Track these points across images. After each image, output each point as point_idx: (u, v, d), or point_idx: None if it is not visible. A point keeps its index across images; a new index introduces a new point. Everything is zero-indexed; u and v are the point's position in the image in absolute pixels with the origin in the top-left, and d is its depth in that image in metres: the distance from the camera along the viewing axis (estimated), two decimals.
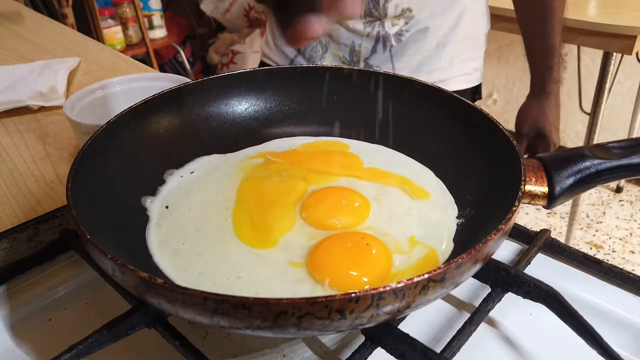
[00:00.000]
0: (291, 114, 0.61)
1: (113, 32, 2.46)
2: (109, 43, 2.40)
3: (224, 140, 0.58)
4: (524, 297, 0.43)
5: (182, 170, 0.55)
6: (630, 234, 2.19)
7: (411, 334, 0.38)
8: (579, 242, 2.14)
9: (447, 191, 0.52)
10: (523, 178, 0.41)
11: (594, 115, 1.73)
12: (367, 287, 0.38)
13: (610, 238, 2.18)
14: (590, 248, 2.12)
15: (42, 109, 0.82)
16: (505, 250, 0.53)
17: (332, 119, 0.61)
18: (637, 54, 2.06)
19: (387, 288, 0.31)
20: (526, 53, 1.03)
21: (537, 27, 0.98)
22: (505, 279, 0.44)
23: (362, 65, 0.96)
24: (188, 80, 0.61)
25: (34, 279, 0.51)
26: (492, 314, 0.44)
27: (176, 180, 0.54)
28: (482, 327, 0.44)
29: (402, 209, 0.49)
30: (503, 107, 2.79)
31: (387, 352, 0.39)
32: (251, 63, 2.75)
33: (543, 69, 1.00)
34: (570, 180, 0.44)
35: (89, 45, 1.14)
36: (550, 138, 1.04)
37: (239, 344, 0.44)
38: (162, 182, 0.53)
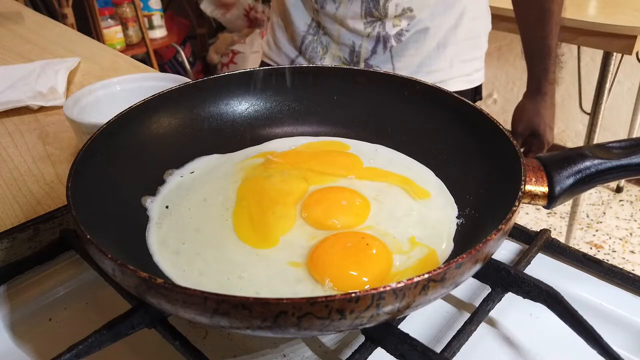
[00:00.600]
0: (291, 114, 0.61)
1: (113, 32, 2.47)
2: (109, 43, 2.41)
3: (224, 140, 0.58)
4: (524, 297, 0.43)
5: (182, 170, 0.55)
6: (630, 234, 2.19)
7: (411, 334, 0.38)
8: (579, 242, 2.14)
9: (447, 191, 0.52)
10: (523, 178, 0.41)
11: (594, 115, 1.73)
12: (367, 287, 0.38)
13: (610, 238, 2.18)
14: (590, 248, 2.12)
15: (42, 109, 0.82)
16: (505, 250, 0.53)
17: (332, 119, 0.61)
18: (637, 54, 2.06)
19: (387, 288, 0.31)
20: (524, 53, 1.04)
21: (535, 28, 0.98)
22: (505, 279, 0.44)
23: (362, 66, 0.96)
24: (188, 80, 0.61)
25: (34, 279, 0.51)
26: (492, 314, 0.44)
27: (176, 180, 0.54)
28: (482, 327, 0.44)
29: (402, 209, 0.49)
30: (503, 107, 2.79)
31: (387, 352, 0.39)
32: (251, 63, 2.75)
33: (540, 70, 1.01)
34: (571, 180, 0.44)
35: (89, 45, 1.14)
36: (544, 137, 1.06)
37: (239, 344, 0.44)
38: (162, 182, 0.53)
